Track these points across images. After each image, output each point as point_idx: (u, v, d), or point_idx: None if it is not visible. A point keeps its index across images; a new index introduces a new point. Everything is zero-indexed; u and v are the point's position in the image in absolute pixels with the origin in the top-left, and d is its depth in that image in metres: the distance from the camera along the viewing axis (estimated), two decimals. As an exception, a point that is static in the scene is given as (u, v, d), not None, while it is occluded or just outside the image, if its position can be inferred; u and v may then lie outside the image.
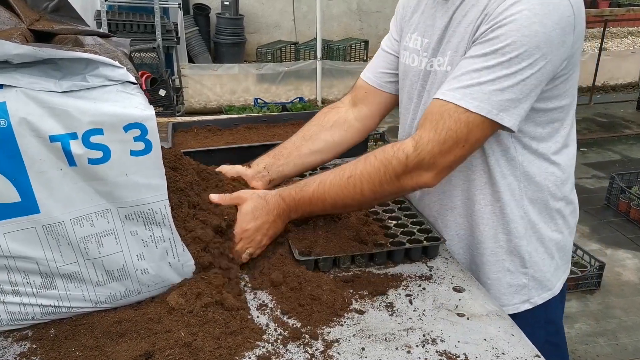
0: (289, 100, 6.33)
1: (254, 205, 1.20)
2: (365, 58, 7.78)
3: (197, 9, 8.02)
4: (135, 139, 0.94)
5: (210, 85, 6.57)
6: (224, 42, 7.96)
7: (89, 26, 1.30)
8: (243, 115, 2.05)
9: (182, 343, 0.95)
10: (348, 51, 7.59)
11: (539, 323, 1.31)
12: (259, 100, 6.12)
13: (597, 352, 2.77)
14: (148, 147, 0.95)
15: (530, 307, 1.29)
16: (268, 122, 2.02)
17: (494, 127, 1.11)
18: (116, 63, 0.93)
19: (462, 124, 1.08)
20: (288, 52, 7.60)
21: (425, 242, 1.24)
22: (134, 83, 0.95)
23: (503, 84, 1.06)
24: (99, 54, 0.94)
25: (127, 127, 0.92)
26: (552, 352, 1.13)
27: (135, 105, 0.93)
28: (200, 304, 1.02)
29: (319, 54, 6.39)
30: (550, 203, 1.27)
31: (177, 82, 5.81)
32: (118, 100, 0.93)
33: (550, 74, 1.10)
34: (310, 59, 6.97)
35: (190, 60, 7.37)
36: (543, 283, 1.30)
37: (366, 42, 7.81)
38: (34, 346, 0.97)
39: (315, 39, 6.77)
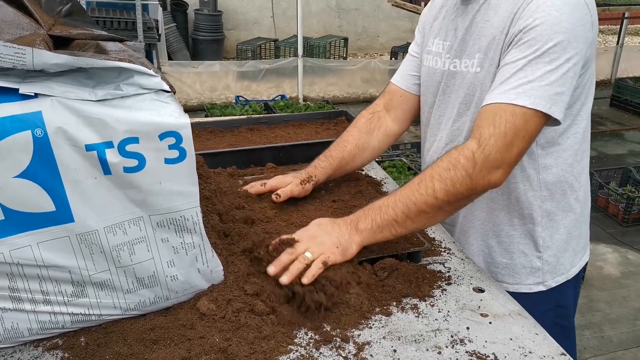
0: (271, 98, 6.32)
1: (319, 220, 1.21)
2: (345, 55, 7.82)
3: (174, 5, 7.93)
4: (170, 147, 0.94)
5: (190, 82, 6.51)
6: (203, 39, 7.90)
7: (102, 30, 1.29)
8: (244, 116, 2.05)
9: (218, 349, 0.96)
10: (328, 48, 7.61)
11: (550, 305, 1.38)
12: (240, 98, 6.09)
13: (583, 344, 2.86)
14: (182, 155, 0.95)
15: (544, 289, 1.37)
16: (269, 123, 2.03)
17: (545, 121, 1.15)
18: (151, 72, 0.93)
19: (519, 117, 1.12)
20: (268, 49, 7.58)
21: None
22: (167, 91, 0.95)
23: (550, 79, 1.13)
24: (133, 62, 0.93)
25: (163, 136, 0.93)
26: (559, 334, 1.17)
27: (170, 113, 0.94)
28: (232, 310, 1.03)
29: (300, 51, 6.39)
30: (567, 193, 1.34)
31: (157, 80, 5.73)
32: (152, 108, 0.93)
33: (580, 68, 1.18)
34: (290, 56, 6.97)
35: (169, 57, 7.28)
36: (557, 267, 1.37)
37: (346, 40, 7.85)
38: (66, 355, 0.97)
39: (295, 36, 6.78)
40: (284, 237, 1.14)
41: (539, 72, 1.13)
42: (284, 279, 1.07)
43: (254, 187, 1.44)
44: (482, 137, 1.13)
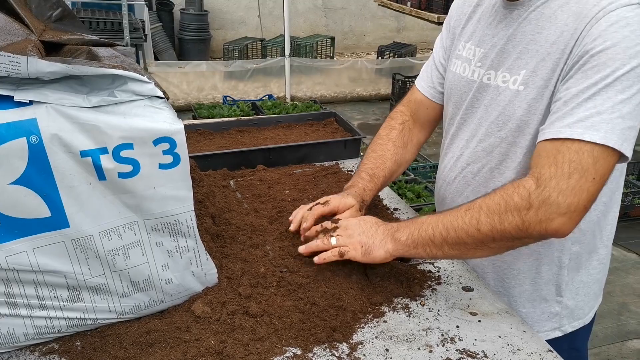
0: (259, 98, 6.32)
1: (365, 217, 1.21)
2: (332, 55, 7.83)
3: (160, 4, 7.89)
4: (164, 152, 0.95)
5: (177, 82, 6.49)
6: (189, 39, 7.87)
7: (92, 34, 1.29)
8: (234, 118, 2.06)
9: (213, 351, 0.97)
10: (315, 48, 7.62)
11: (563, 348, 1.24)
12: (228, 98, 6.09)
13: (569, 339, 2.90)
14: (176, 160, 0.97)
15: (560, 335, 1.30)
16: (259, 125, 2.04)
17: (616, 159, 1.01)
18: (144, 78, 0.94)
19: (586, 154, 0.98)
20: (255, 49, 7.56)
21: None
22: (161, 97, 0.96)
23: (622, 111, 0.99)
24: (127, 69, 0.94)
25: (157, 141, 0.94)
26: None
27: (164, 119, 0.95)
28: (226, 312, 1.05)
29: (287, 50, 6.40)
30: (595, 233, 1.25)
31: (144, 80, 5.70)
32: (147, 114, 0.94)
33: None
34: (277, 56, 6.96)
35: (155, 58, 7.25)
36: (575, 312, 1.30)
37: (332, 39, 7.86)
38: (62, 359, 0.98)
39: (281, 35, 6.77)
40: (330, 225, 1.20)
41: (609, 102, 0.98)
42: (301, 249, 1.19)
43: (317, 208, 1.27)
44: (541, 177, 1.00)
